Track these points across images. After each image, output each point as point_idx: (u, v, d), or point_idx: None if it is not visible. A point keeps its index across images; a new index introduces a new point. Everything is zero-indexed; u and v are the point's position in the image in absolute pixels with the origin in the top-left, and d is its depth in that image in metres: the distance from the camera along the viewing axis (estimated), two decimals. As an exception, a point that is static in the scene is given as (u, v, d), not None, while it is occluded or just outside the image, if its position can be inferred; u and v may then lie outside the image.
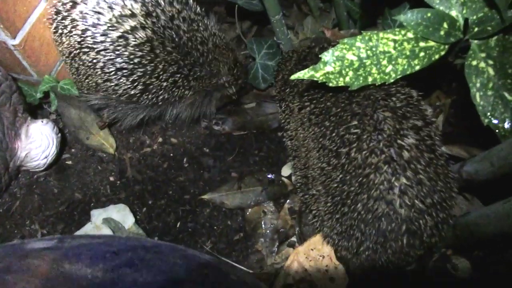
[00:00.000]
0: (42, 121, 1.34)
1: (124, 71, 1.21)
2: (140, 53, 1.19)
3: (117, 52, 1.19)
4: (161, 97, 1.28)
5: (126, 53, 1.19)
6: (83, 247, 0.56)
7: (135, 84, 1.24)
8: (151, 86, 1.25)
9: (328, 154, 1.01)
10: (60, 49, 1.30)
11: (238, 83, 1.41)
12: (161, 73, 1.23)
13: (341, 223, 0.99)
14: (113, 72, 1.22)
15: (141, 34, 1.18)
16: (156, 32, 1.20)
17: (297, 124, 1.17)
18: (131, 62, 1.20)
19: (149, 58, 1.20)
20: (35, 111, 1.53)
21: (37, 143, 1.31)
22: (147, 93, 1.27)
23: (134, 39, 1.18)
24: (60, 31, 1.25)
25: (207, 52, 1.28)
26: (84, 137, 1.45)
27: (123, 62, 1.20)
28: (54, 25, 1.26)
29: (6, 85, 1.28)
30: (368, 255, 0.97)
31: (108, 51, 1.19)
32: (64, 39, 1.25)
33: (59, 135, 1.37)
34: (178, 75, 1.26)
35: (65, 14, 1.22)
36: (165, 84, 1.25)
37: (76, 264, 0.51)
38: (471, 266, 1.08)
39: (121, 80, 1.23)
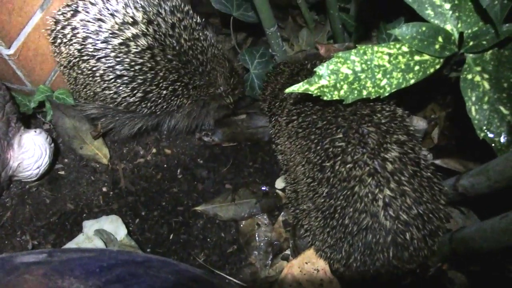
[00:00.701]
0: (35, 131, 1.33)
1: (124, 78, 1.21)
2: (140, 60, 1.19)
3: (117, 59, 1.19)
4: (159, 106, 1.28)
5: (127, 60, 1.19)
6: (73, 262, 0.54)
7: (135, 91, 1.23)
8: (151, 94, 1.24)
9: (313, 168, 1.02)
10: (58, 59, 1.30)
11: (235, 93, 1.41)
12: (161, 80, 1.23)
13: (332, 236, 0.99)
14: (112, 80, 1.21)
15: (142, 41, 1.18)
16: (157, 40, 1.20)
17: (285, 138, 1.18)
18: (132, 69, 1.20)
19: (149, 65, 1.20)
20: (29, 120, 1.51)
21: (30, 153, 1.30)
22: (146, 102, 1.26)
23: (135, 46, 1.18)
24: (59, 40, 1.25)
25: (206, 61, 1.29)
26: (78, 147, 1.44)
27: (123, 69, 1.20)
28: (53, 35, 1.26)
29: (-1, 94, 1.27)
30: (357, 266, 0.97)
31: (108, 58, 1.19)
32: (63, 48, 1.25)
33: (52, 145, 1.36)
34: (178, 83, 1.26)
35: (65, 23, 1.22)
36: (164, 92, 1.25)
37: (66, 279, 0.49)
38: (467, 281, 1.07)
39: (121, 88, 1.22)
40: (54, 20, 1.26)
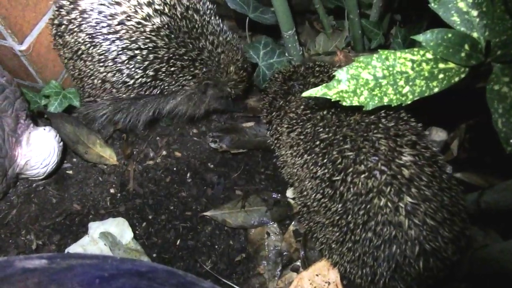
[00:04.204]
0: (44, 129, 1.30)
1: (137, 58, 1.19)
2: (155, 38, 1.18)
3: (132, 39, 1.17)
4: (167, 83, 1.26)
5: (142, 37, 1.17)
6: (72, 270, 0.51)
7: (147, 71, 1.21)
8: (160, 72, 1.23)
9: (322, 184, 0.98)
10: (62, 52, 1.26)
11: (239, 87, 1.36)
12: (171, 56, 1.21)
13: (354, 250, 0.94)
14: (126, 61, 1.19)
15: (157, 20, 1.17)
16: (173, 18, 1.19)
17: (287, 149, 1.13)
18: (145, 47, 1.18)
19: (163, 42, 1.19)
20: (38, 118, 1.49)
21: (38, 151, 1.28)
22: (156, 81, 1.24)
23: (151, 25, 1.17)
24: (63, 27, 1.21)
25: (217, 44, 1.27)
26: (83, 152, 1.41)
27: (137, 49, 1.18)
28: (57, 22, 1.22)
29: (10, 90, 1.25)
30: (384, 282, 0.92)
31: (122, 39, 1.17)
32: (67, 37, 1.21)
33: (61, 143, 1.34)
34: (186, 57, 1.23)
35: (71, 7, 1.19)
36: (173, 69, 1.23)
37: (62, 290, 0.46)
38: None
39: (133, 69, 1.20)
40: (58, 5, 1.21)
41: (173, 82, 1.26)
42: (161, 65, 1.22)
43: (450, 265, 0.91)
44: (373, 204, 0.89)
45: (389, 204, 0.87)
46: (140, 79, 1.22)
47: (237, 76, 1.32)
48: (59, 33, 1.24)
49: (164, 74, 1.24)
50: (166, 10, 1.19)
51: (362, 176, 0.90)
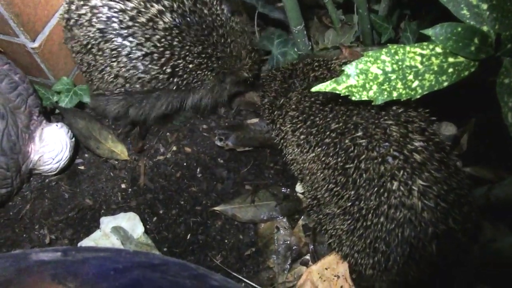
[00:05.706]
0: (57, 125, 1.32)
1: (154, 55, 1.20)
2: (169, 37, 1.19)
3: (146, 36, 1.18)
4: (185, 81, 1.27)
5: (157, 36, 1.18)
6: (87, 262, 0.52)
7: (164, 68, 1.22)
8: (177, 69, 1.24)
9: (334, 173, 0.99)
10: (70, 45, 1.28)
11: (254, 68, 1.38)
12: (187, 54, 1.22)
13: (365, 237, 0.95)
14: (141, 57, 1.20)
15: (168, 17, 1.18)
16: (183, 15, 1.20)
17: (294, 147, 1.14)
18: (160, 45, 1.19)
19: (177, 39, 1.20)
20: (51, 114, 1.51)
21: (51, 147, 1.30)
22: (174, 77, 1.25)
23: (162, 23, 1.18)
24: (72, 22, 1.22)
25: (226, 34, 1.28)
26: (95, 147, 1.43)
27: (152, 46, 1.19)
28: (66, 16, 1.24)
29: (23, 87, 1.27)
30: (398, 269, 0.93)
31: (136, 35, 1.18)
32: (76, 31, 1.22)
33: (73, 139, 1.36)
34: (203, 55, 1.25)
35: (81, 3, 1.20)
36: (191, 66, 1.24)
37: (77, 282, 0.47)
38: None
39: (150, 66, 1.21)
40: (68, 0, 1.23)
41: (191, 78, 1.28)
42: (178, 61, 1.23)
43: (459, 247, 0.92)
44: (386, 188, 0.90)
45: (401, 187, 0.88)
46: (156, 75, 1.24)
47: (250, 59, 1.34)
48: (68, 27, 1.25)
49: (182, 71, 1.25)
50: (175, 7, 1.19)
51: (375, 161, 0.92)
